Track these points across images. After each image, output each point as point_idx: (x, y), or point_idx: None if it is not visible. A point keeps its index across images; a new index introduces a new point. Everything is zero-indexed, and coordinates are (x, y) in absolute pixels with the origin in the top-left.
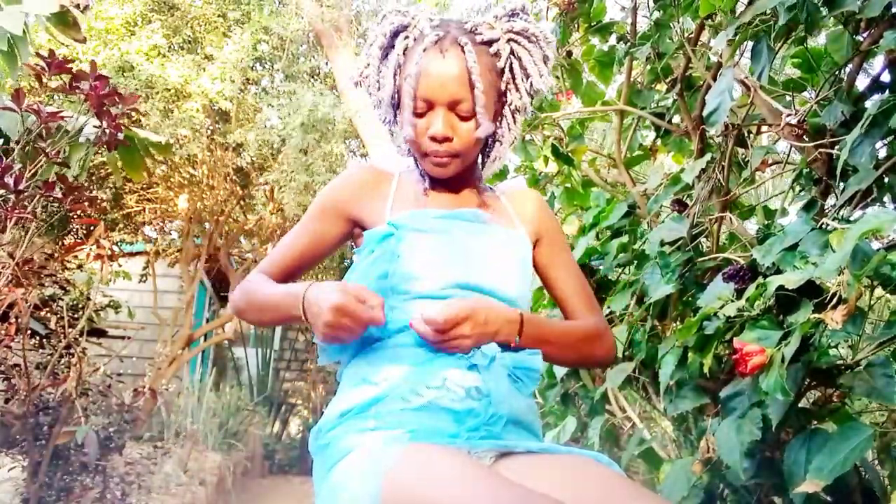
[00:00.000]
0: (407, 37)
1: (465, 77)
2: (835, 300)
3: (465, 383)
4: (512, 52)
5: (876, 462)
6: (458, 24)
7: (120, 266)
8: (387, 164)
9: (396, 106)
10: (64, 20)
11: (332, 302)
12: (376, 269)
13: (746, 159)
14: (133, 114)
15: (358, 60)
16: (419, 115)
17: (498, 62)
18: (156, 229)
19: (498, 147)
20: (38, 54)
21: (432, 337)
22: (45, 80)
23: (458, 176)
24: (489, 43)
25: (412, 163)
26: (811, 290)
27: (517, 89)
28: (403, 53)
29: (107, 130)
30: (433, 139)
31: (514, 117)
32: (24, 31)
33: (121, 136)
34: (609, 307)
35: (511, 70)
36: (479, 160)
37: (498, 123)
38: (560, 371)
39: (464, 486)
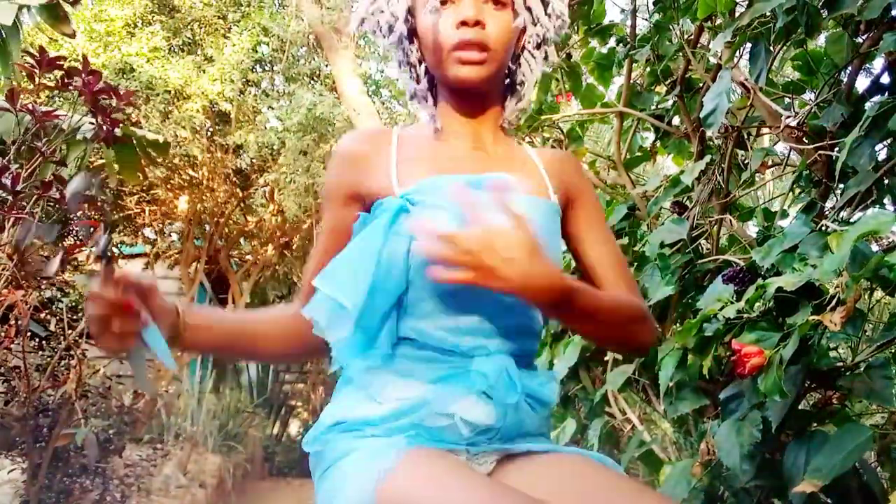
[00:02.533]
0: None
1: None
2: (834, 302)
3: (476, 419)
4: None
5: (876, 464)
6: None
7: (120, 268)
8: (382, 128)
9: (410, 33)
10: (54, 14)
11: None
12: (393, 250)
13: (746, 161)
14: (133, 116)
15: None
16: (444, 7)
17: None
18: (156, 231)
19: (521, 88)
20: (27, 52)
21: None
22: (37, 77)
23: (477, 110)
24: None
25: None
26: (810, 292)
27: (534, 20)
28: None
29: (103, 126)
30: (463, 24)
31: (536, 50)
32: (15, 25)
33: (118, 131)
34: None
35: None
36: (503, 102)
37: (519, 62)
38: (560, 373)
39: (463, 493)
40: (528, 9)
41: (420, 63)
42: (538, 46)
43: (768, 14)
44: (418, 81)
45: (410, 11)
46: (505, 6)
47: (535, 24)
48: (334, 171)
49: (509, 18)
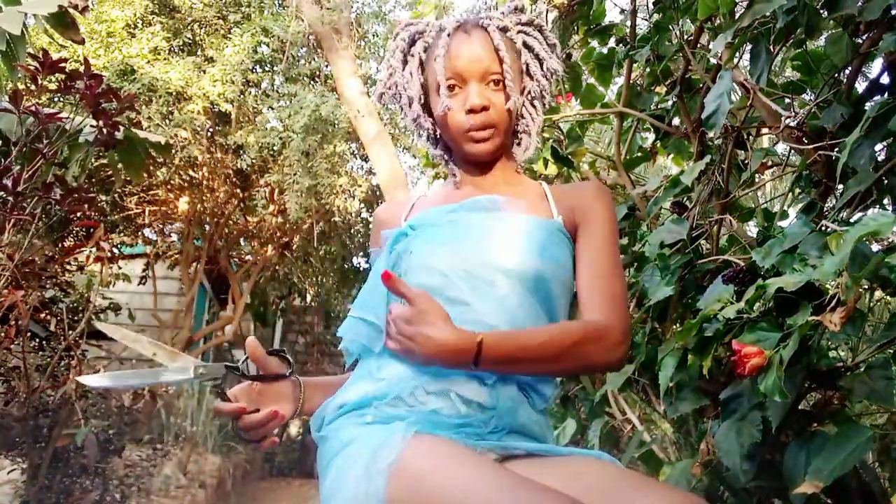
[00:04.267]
0: (424, 40)
1: (492, 50)
2: (834, 302)
3: (469, 396)
4: (524, 43)
5: (876, 464)
6: (473, 17)
7: (120, 268)
8: (409, 195)
9: (424, 107)
10: (62, 21)
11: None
12: (390, 266)
13: (746, 161)
14: (134, 117)
15: (381, 72)
16: (452, 94)
17: (515, 45)
18: (156, 231)
19: (525, 138)
20: (31, 55)
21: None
22: (39, 80)
23: (489, 166)
24: (504, 29)
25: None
26: (810, 293)
27: (532, 76)
28: (424, 52)
29: (104, 129)
30: (471, 111)
31: (534, 104)
32: (22, 32)
33: (119, 134)
34: None
35: (525, 56)
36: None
37: (522, 114)
38: None
39: (476, 477)
40: (525, 70)
41: (435, 133)
42: (536, 99)
43: (768, 15)
44: (435, 146)
45: (423, 88)
46: (501, 86)
47: (533, 80)
48: (372, 235)
49: (504, 96)
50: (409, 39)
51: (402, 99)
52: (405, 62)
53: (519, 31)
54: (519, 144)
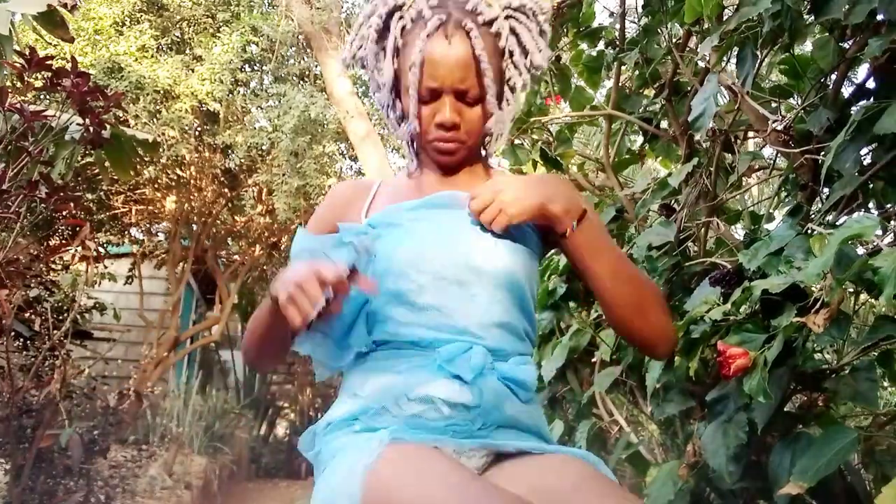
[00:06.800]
0: (402, 17)
1: (471, 63)
2: (818, 304)
3: (451, 398)
4: (511, 30)
5: (860, 466)
6: (458, 4)
7: (106, 268)
8: (369, 178)
9: (396, 92)
10: (51, 20)
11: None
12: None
13: (733, 164)
14: (121, 115)
15: (348, 42)
16: (424, 103)
17: (499, 42)
18: (142, 231)
19: (497, 133)
20: (17, 52)
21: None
22: (26, 77)
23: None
24: (490, 23)
25: (405, 165)
26: (796, 295)
27: (516, 67)
28: (401, 35)
29: (90, 128)
30: (440, 126)
31: (512, 93)
32: (9, 31)
33: (105, 133)
34: (596, 311)
35: (510, 47)
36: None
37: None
38: (548, 374)
39: (443, 485)
40: (507, 60)
41: (401, 121)
42: (514, 90)
43: (755, 18)
44: (399, 126)
45: (396, 74)
46: (478, 102)
47: (516, 70)
48: (320, 208)
49: (479, 112)
50: (386, 13)
51: (372, 77)
52: (379, 37)
53: (507, 17)
54: (490, 142)
